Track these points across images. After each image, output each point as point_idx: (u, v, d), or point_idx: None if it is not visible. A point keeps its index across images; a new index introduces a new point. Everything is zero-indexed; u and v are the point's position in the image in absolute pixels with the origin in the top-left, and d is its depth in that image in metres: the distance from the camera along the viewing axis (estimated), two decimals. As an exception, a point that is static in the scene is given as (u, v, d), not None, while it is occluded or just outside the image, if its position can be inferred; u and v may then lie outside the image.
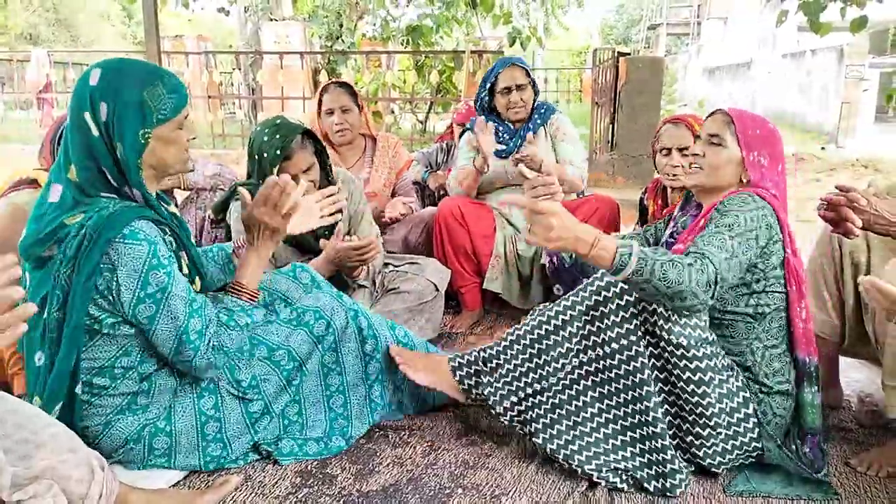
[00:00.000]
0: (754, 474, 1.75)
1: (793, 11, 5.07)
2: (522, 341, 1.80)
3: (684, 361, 1.63)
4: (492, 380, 1.82)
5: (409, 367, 1.89)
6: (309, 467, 1.79)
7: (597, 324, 1.71)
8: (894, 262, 1.79)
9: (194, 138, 1.63)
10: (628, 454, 1.72)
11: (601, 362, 1.71)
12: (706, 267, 1.53)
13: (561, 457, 1.74)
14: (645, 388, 1.66)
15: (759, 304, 1.72)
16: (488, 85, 2.97)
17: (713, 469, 1.72)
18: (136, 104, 1.48)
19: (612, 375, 1.70)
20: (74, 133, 1.51)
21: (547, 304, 1.84)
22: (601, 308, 1.69)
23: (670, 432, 1.71)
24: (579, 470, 1.73)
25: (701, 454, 1.70)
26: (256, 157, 2.22)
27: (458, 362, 1.90)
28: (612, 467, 1.72)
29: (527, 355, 1.79)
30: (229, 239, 2.41)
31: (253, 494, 1.67)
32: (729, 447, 1.70)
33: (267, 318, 1.87)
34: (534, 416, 1.78)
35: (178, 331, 1.54)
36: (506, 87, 2.91)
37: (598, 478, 1.71)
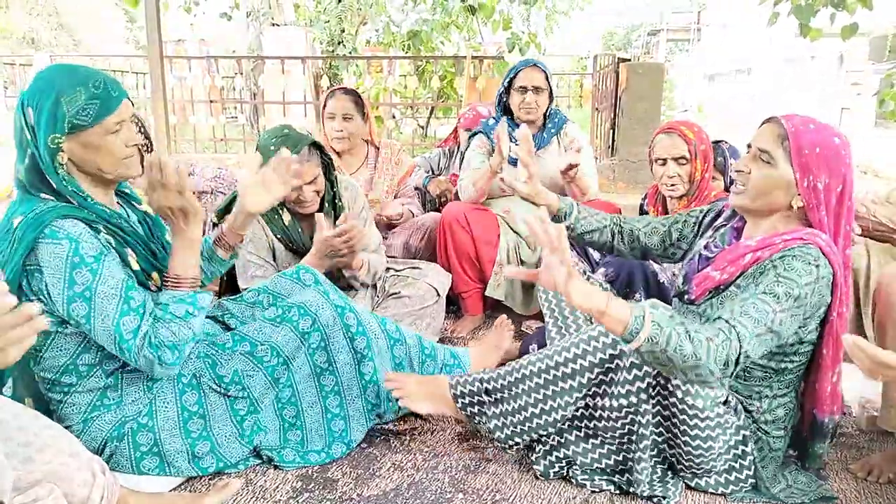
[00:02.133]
0: (755, 493, 1.74)
1: (785, 14, 5.10)
2: (528, 382, 1.70)
3: (695, 420, 1.57)
4: (496, 412, 1.75)
5: (409, 398, 1.81)
6: (310, 472, 1.79)
7: (609, 376, 1.62)
8: (894, 266, 1.80)
9: (135, 145, 1.61)
10: (623, 477, 1.73)
11: (607, 411, 1.65)
12: (730, 344, 1.39)
13: (557, 470, 1.76)
14: (643, 442, 1.64)
15: (785, 360, 1.62)
16: (506, 82, 2.99)
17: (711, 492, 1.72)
18: (49, 111, 1.48)
19: (617, 424, 1.66)
20: (15, 136, 1.54)
21: (557, 341, 1.78)
22: (616, 361, 1.60)
23: (661, 462, 1.71)
24: (574, 480, 1.74)
25: (695, 484, 1.71)
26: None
27: (461, 390, 1.80)
28: (606, 479, 1.73)
29: (532, 399, 1.69)
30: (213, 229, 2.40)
31: (254, 498, 1.67)
32: (723, 480, 1.70)
33: (252, 314, 1.90)
34: (536, 448, 1.78)
35: (112, 330, 1.51)
36: (522, 86, 2.92)
37: (592, 486, 1.73)
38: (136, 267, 1.62)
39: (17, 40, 22.11)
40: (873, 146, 11.00)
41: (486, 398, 1.78)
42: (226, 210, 2.43)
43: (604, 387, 1.64)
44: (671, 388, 1.56)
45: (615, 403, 1.62)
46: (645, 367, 1.57)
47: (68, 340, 1.59)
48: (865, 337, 1.99)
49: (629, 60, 6.43)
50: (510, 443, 1.77)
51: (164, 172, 1.56)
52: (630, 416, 1.63)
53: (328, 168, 2.36)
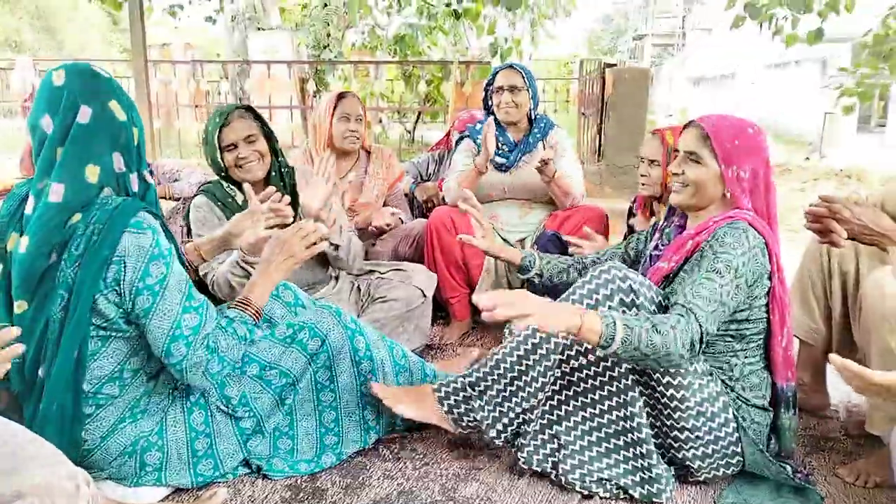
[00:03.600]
0: (744, 486, 1.75)
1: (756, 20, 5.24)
2: (509, 359, 1.76)
3: (676, 380, 1.63)
4: (482, 403, 1.79)
5: (394, 402, 1.82)
6: (299, 482, 1.77)
7: None
8: (880, 271, 1.81)
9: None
10: (612, 461, 1.73)
11: (584, 371, 1.71)
12: (691, 325, 1.53)
13: (549, 467, 1.75)
14: (629, 393, 1.67)
15: (741, 329, 1.71)
16: (487, 86, 3.02)
17: (697, 475, 1.73)
18: (120, 92, 1.55)
19: (597, 383, 1.70)
20: (101, 125, 1.49)
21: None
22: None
23: (654, 435, 1.72)
24: (563, 479, 1.73)
25: (681, 457, 1.71)
26: (204, 134, 2.31)
27: (445, 391, 1.83)
28: (597, 478, 1.72)
29: (515, 373, 1.75)
30: (189, 236, 2.39)
31: (242, 509, 1.65)
32: (709, 451, 1.70)
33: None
34: (523, 433, 1.77)
35: (171, 325, 1.51)
36: (500, 86, 2.94)
37: (580, 487, 1.72)
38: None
39: (0, 43, 21.90)
40: (857, 151, 11.11)
41: (471, 391, 1.81)
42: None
43: (577, 345, 1.71)
44: None
45: (594, 356, 1.68)
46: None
47: (123, 344, 1.57)
48: (854, 342, 2.00)
49: (615, 65, 6.46)
50: (500, 434, 1.78)
51: (314, 230, 1.74)
52: (615, 366, 1.67)
53: (270, 137, 2.33)
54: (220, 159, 2.27)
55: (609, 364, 1.68)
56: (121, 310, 1.51)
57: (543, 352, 1.72)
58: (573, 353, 1.72)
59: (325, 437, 1.85)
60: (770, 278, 1.70)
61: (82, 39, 25.72)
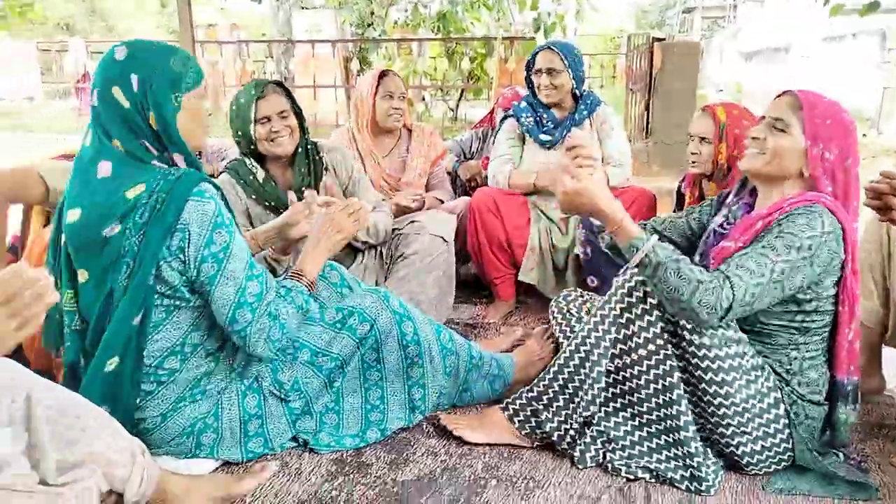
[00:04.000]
0: (792, 472, 1.71)
1: None
2: (566, 370, 1.75)
3: (706, 362, 1.59)
4: (549, 415, 1.78)
5: (464, 430, 1.85)
6: (344, 456, 1.80)
7: (624, 331, 1.68)
8: None
9: (210, 114, 1.67)
10: (661, 456, 1.71)
11: (630, 370, 1.69)
12: (721, 291, 1.47)
13: (599, 459, 1.76)
14: (675, 391, 1.64)
15: (807, 320, 1.64)
16: (527, 66, 2.98)
17: (747, 469, 1.70)
18: (165, 71, 1.53)
19: (642, 382, 1.68)
20: (107, 110, 1.53)
21: (582, 322, 1.79)
22: (626, 314, 1.67)
23: (700, 434, 1.70)
24: (609, 466, 1.73)
25: (728, 452, 1.69)
26: (234, 106, 2.32)
27: (513, 409, 1.83)
28: (643, 465, 1.71)
29: (576, 382, 1.74)
30: None
31: (289, 481, 1.69)
32: (759, 448, 1.67)
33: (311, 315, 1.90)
34: (584, 437, 1.77)
35: (236, 292, 1.55)
36: (538, 69, 2.90)
37: (626, 473, 1.71)
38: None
39: (53, 26, 22.46)
40: (917, 126, 10.65)
41: (537, 405, 1.80)
42: None
43: (622, 344, 1.68)
44: (679, 332, 1.61)
45: (640, 354, 1.66)
46: (655, 311, 1.63)
47: (186, 315, 1.61)
48: (889, 289, 1.99)
49: (663, 39, 6.29)
50: (567, 439, 1.77)
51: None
52: (660, 364, 1.64)
53: (299, 115, 2.36)
54: (251, 132, 2.29)
55: (653, 363, 1.64)
56: (184, 277, 1.54)
57: (595, 358, 1.71)
58: (617, 352, 1.70)
59: (370, 414, 1.88)
60: (843, 268, 1.61)
61: (131, 22, 26.22)
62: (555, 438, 1.78)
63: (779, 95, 1.70)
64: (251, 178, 2.36)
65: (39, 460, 1.27)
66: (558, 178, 1.64)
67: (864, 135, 10.65)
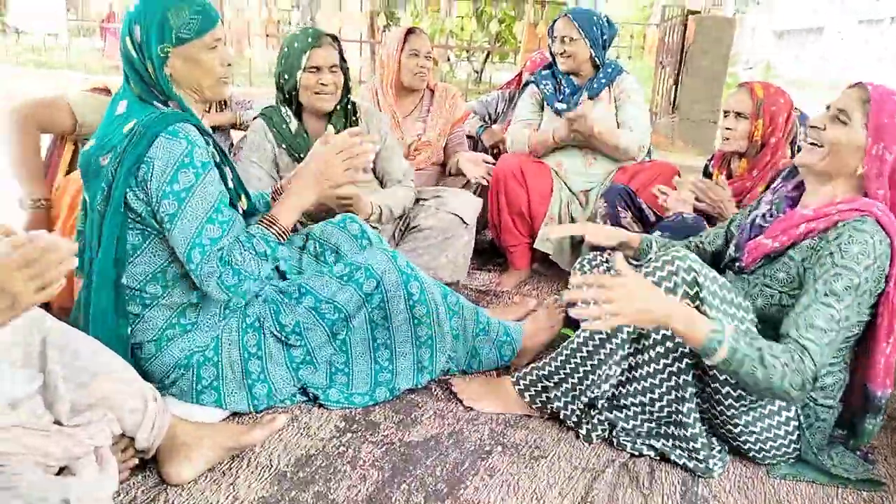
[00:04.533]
0: (798, 461, 1.71)
1: None
2: (579, 354, 1.72)
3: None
4: (558, 394, 1.77)
5: (474, 399, 1.87)
6: (353, 413, 1.82)
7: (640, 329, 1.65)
8: None
9: (230, 65, 1.69)
10: (669, 443, 1.71)
11: (647, 367, 1.66)
12: (804, 366, 1.43)
13: (605, 437, 1.76)
14: (688, 390, 1.62)
15: None
16: (549, 32, 2.94)
17: (753, 459, 1.71)
18: (157, 22, 1.56)
19: (656, 381, 1.66)
20: (123, 56, 1.63)
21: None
22: None
23: (705, 428, 1.69)
24: (615, 440, 1.74)
25: (736, 445, 1.69)
26: (286, 48, 2.30)
27: (524, 384, 1.83)
28: (649, 444, 1.72)
29: (588, 367, 1.71)
30: None
31: (298, 435, 1.71)
32: (767, 447, 1.66)
33: (318, 268, 1.93)
34: (591, 419, 1.77)
35: (193, 232, 1.56)
36: (555, 36, 2.86)
37: (631, 449, 1.72)
38: (230, 185, 1.68)
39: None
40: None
41: (546, 383, 1.79)
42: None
43: (644, 340, 1.65)
44: None
45: (658, 351, 1.62)
46: None
47: (163, 246, 1.64)
48: None
49: (698, 12, 6.13)
50: (574, 418, 1.78)
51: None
52: (676, 361, 1.61)
53: (346, 74, 2.35)
54: (297, 78, 2.27)
55: (670, 361, 1.62)
56: (149, 208, 1.58)
57: (613, 346, 1.67)
58: (640, 346, 1.66)
59: (378, 375, 1.89)
60: (886, 281, 1.55)
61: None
62: (561, 416, 1.80)
63: (850, 87, 1.62)
64: (284, 126, 2.35)
65: (53, 402, 1.29)
66: (611, 281, 1.44)
67: None
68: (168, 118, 1.57)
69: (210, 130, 1.68)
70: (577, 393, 1.75)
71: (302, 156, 2.33)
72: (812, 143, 1.61)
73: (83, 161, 1.63)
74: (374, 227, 2.43)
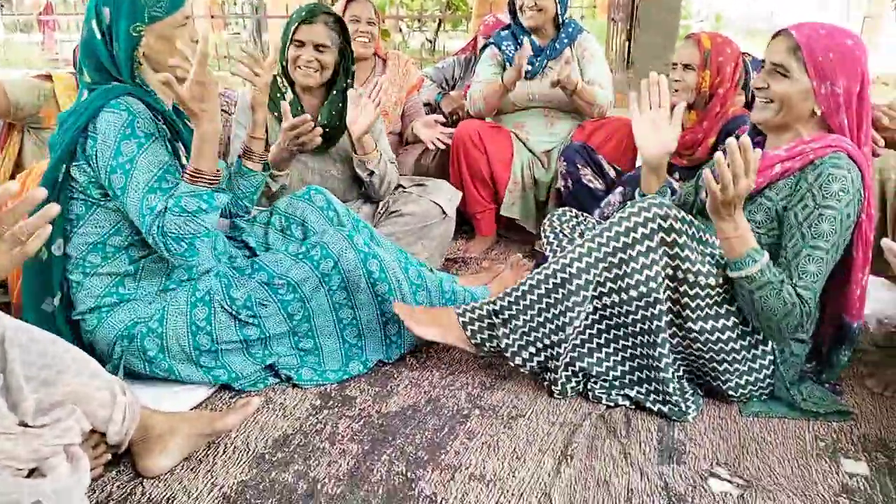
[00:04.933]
0: (769, 398, 1.75)
1: None
2: (536, 291, 1.70)
3: (707, 300, 1.60)
4: (506, 331, 1.74)
5: (415, 322, 1.80)
6: (328, 390, 1.81)
7: (620, 269, 1.63)
8: None
9: (197, 41, 1.60)
10: (642, 389, 1.73)
11: (619, 308, 1.66)
12: (802, 310, 1.52)
13: (580, 390, 1.77)
14: (660, 334, 1.63)
15: None
16: None
17: (729, 398, 1.74)
18: (128, 4, 1.57)
19: (629, 320, 1.66)
20: (84, 42, 1.64)
21: (563, 249, 1.77)
22: (628, 251, 1.61)
23: (682, 366, 1.72)
24: (590, 394, 1.75)
25: (715, 385, 1.72)
26: (288, 19, 2.30)
27: (469, 317, 1.78)
28: (624, 394, 1.74)
29: (543, 305, 1.70)
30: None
31: (274, 416, 1.69)
32: (742, 382, 1.69)
33: (286, 244, 1.95)
34: (553, 367, 1.76)
35: (138, 202, 1.56)
36: None
37: (606, 401, 1.74)
38: (184, 161, 1.69)
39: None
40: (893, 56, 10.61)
41: (495, 319, 1.76)
42: None
43: (615, 282, 1.64)
44: (684, 274, 1.59)
45: (631, 295, 1.62)
46: (658, 251, 1.59)
47: (106, 216, 1.66)
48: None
49: (647, -34, 6.10)
50: (526, 362, 1.76)
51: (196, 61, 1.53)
52: (649, 306, 1.61)
53: (347, 54, 2.31)
54: (286, 51, 2.26)
55: (643, 304, 1.61)
56: (93, 180, 1.61)
57: (573, 287, 1.66)
58: (606, 290, 1.66)
59: (349, 351, 1.88)
60: (859, 213, 1.59)
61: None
62: (508, 355, 1.75)
63: (774, 37, 1.65)
64: (278, 96, 2.31)
65: (17, 402, 1.25)
66: (714, 186, 1.50)
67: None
68: (112, 91, 1.58)
69: (166, 108, 1.67)
70: (526, 331, 1.72)
71: None
72: (763, 101, 1.64)
73: (51, 143, 1.66)
74: (371, 175, 2.41)
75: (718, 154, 1.47)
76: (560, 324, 1.70)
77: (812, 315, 1.55)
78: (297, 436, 1.62)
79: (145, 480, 1.45)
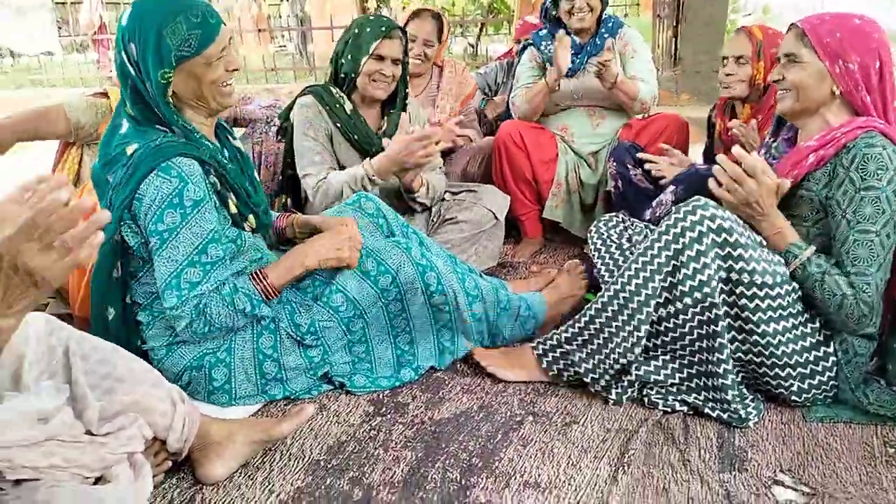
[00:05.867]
0: (834, 402, 1.68)
1: None
2: (603, 314, 1.70)
3: (767, 301, 1.56)
4: (583, 356, 1.74)
5: (497, 367, 1.85)
6: (381, 397, 1.81)
7: (671, 279, 1.61)
8: None
9: (236, 70, 1.63)
10: (700, 396, 1.69)
11: (675, 319, 1.64)
12: (859, 300, 1.52)
13: (630, 394, 1.74)
14: (719, 339, 1.59)
15: None
16: None
17: (790, 402, 1.68)
18: (154, 45, 1.49)
19: (686, 329, 1.64)
20: (119, 72, 1.57)
21: (623, 267, 1.74)
22: (679, 258, 1.59)
23: (741, 372, 1.68)
24: (646, 400, 1.72)
25: (777, 392, 1.67)
26: (356, 30, 2.31)
27: (543, 349, 1.81)
28: (680, 399, 1.70)
29: (612, 328, 1.69)
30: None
31: (328, 423, 1.71)
32: (805, 386, 1.64)
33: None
34: (620, 382, 1.74)
35: (171, 272, 1.53)
36: None
37: (663, 406, 1.70)
38: (234, 210, 1.66)
39: (66, -22, 22.15)
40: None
41: (568, 347, 1.77)
42: (287, 113, 2.48)
43: (672, 291, 1.62)
44: (739, 275, 1.56)
45: (686, 303, 1.60)
46: (711, 253, 1.56)
47: None
48: None
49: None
50: (602, 381, 1.74)
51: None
52: (706, 311, 1.59)
53: (404, 68, 2.39)
54: (361, 62, 2.29)
55: (699, 310, 1.59)
56: (142, 240, 1.57)
57: (635, 305, 1.65)
58: (662, 300, 1.64)
59: (401, 358, 1.89)
60: None
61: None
62: (587, 380, 1.75)
63: (786, 32, 1.68)
64: (338, 106, 2.36)
65: (82, 411, 1.29)
66: (731, 186, 1.62)
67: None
68: (164, 152, 1.52)
69: (210, 146, 1.63)
70: (602, 356, 1.72)
71: (356, 138, 2.36)
72: (783, 92, 1.67)
73: (93, 176, 1.64)
74: (421, 205, 2.45)
75: (717, 168, 1.61)
76: (629, 345, 1.68)
77: (873, 304, 1.51)
78: (351, 442, 1.63)
79: (204, 487, 1.48)
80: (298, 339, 1.75)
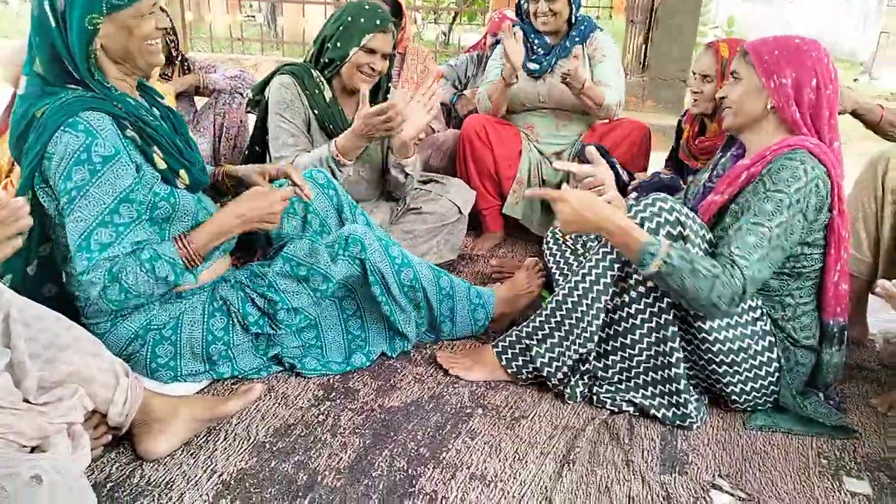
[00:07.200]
0: (775, 411, 1.74)
1: None
2: (564, 306, 1.71)
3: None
4: (541, 350, 1.75)
5: (461, 369, 1.85)
6: (331, 381, 1.80)
7: (627, 268, 1.65)
8: None
9: (164, 29, 1.58)
10: (648, 392, 1.72)
11: (627, 308, 1.67)
12: (732, 279, 1.48)
13: (588, 394, 1.76)
14: (670, 328, 1.63)
15: (797, 266, 1.65)
16: None
17: (733, 406, 1.73)
18: None
19: (637, 321, 1.67)
20: (36, 25, 1.47)
21: (582, 258, 1.77)
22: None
23: (689, 372, 1.71)
24: (595, 398, 1.74)
25: (718, 389, 1.71)
26: (350, 17, 2.22)
27: (502, 346, 1.82)
28: (628, 399, 1.73)
29: (573, 319, 1.70)
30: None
31: (276, 405, 1.68)
32: (748, 388, 1.69)
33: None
34: (575, 374, 1.76)
35: (80, 234, 1.45)
36: None
37: (610, 406, 1.73)
38: (162, 165, 1.57)
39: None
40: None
41: (528, 342, 1.78)
42: (262, 87, 2.39)
43: (622, 283, 1.67)
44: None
45: (641, 290, 1.64)
46: None
47: None
48: (880, 239, 2.04)
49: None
50: (559, 375, 1.75)
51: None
52: (656, 302, 1.63)
53: (390, 61, 2.36)
54: (349, 52, 2.22)
55: (651, 301, 1.63)
56: (56, 204, 1.49)
57: (595, 294, 1.67)
58: (618, 289, 1.67)
59: (352, 343, 1.87)
60: (830, 209, 1.62)
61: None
62: (544, 374, 1.77)
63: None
64: (317, 92, 2.29)
65: (21, 379, 1.24)
66: (559, 195, 1.60)
67: (856, 79, 10.56)
68: (71, 107, 1.44)
69: (131, 103, 1.55)
70: (563, 349, 1.73)
71: (331, 128, 2.29)
72: (726, 108, 1.72)
73: (12, 153, 1.57)
74: (407, 176, 2.37)
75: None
76: (588, 334, 1.70)
77: (745, 286, 1.49)
78: (299, 426, 1.61)
79: (145, 463, 1.45)
80: (246, 327, 1.72)
